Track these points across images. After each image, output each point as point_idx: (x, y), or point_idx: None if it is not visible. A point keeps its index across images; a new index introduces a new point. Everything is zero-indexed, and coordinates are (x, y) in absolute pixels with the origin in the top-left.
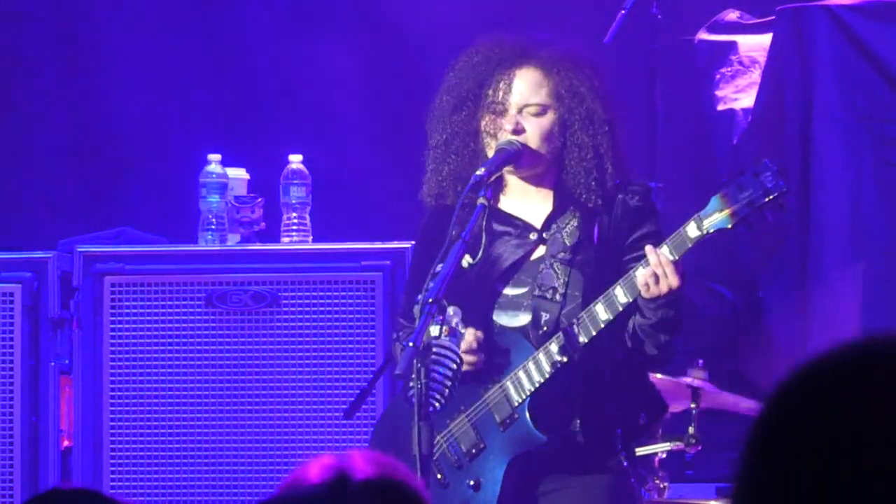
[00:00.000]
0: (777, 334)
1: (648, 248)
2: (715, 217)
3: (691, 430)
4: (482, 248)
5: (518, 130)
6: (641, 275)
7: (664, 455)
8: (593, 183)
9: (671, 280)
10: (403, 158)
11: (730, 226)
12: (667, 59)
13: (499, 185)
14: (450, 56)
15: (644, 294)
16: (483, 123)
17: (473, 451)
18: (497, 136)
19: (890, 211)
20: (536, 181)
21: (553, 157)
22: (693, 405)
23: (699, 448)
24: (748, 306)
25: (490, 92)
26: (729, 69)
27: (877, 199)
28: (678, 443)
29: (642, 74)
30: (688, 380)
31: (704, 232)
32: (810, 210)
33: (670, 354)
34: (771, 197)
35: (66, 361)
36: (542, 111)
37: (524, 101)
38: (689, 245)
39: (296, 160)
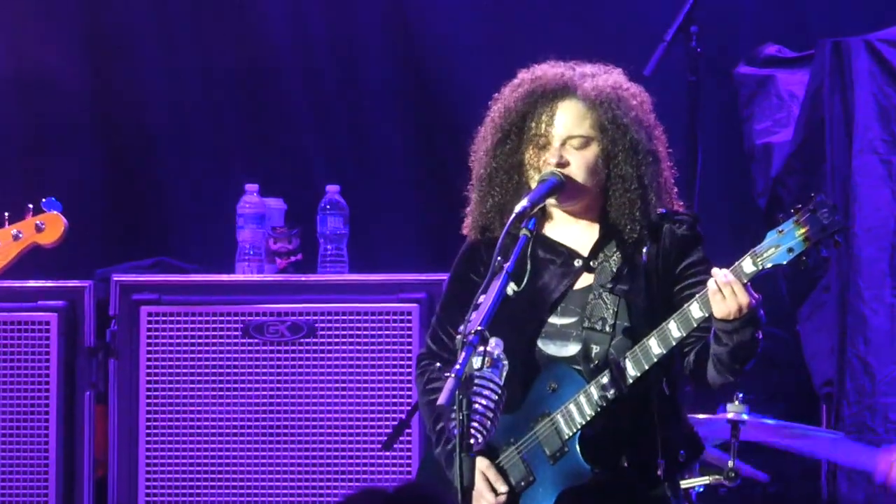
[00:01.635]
0: (815, 369)
1: (714, 270)
2: (770, 252)
3: (731, 464)
4: (527, 276)
5: (562, 164)
6: (710, 293)
7: (701, 489)
8: (638, 214)
9: (740, 298)
10: (441, 190)
11: (785, 262)
12: (706, 92)
13: (544, 215)
14: (489, 87)
15: (715, 312)
16: (527, 156)
17: (523, 483)
18: (541, 169)
19: None
20: (581, 213)
21: (598, 190)
22: (732, 439)
23: (739, 482)
24: (786, 341)
25: (533, 125)
26: (768, 102)
27: None
28: (717, 476)
29: (682, 107)
30: (728, 415)
31: (760, 267)
32: (851, 245)
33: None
34: (828, 233)
35: (102, 390)
36: (585, 143)
37: (567, 133)
38: (745, 281)
39: (333, 190)
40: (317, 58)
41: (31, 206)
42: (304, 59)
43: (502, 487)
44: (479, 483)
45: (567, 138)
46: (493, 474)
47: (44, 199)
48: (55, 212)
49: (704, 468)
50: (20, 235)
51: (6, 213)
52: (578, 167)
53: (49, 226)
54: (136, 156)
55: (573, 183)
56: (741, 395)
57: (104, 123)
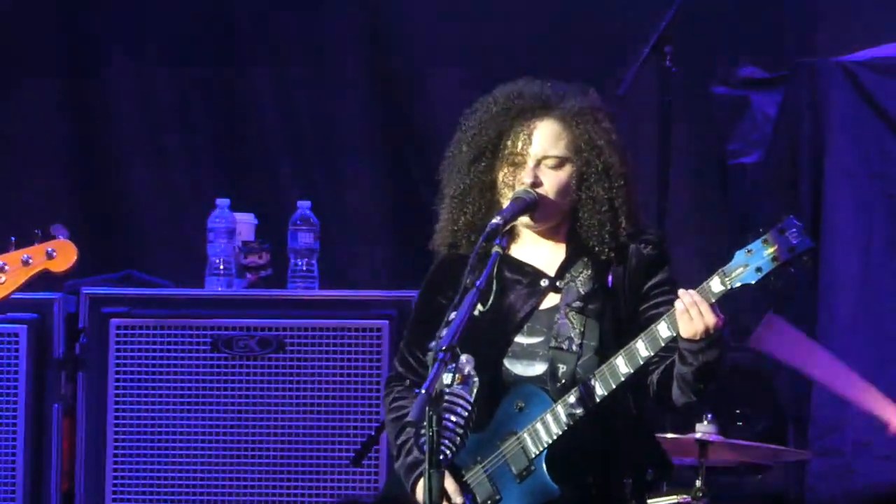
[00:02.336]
0: (782, 391)
1: (681, 291)
2: (739, 272)
3: (698, 483)
4: (492, 295)
5: (536, 183)
6: (677, 312)
7: None
8: (606, 236)
9: (707, 318)
10: (412, 207)
11: (753, 282)
12: (680, 112)
13: (512, 234)
14: (461, 105)
15: (682, 332)
16: (501, 175)
17: (489, 502)
18: (514, 187)
19: None
20: (550, 233)
21: (568, 210)
22: (701, 458)
23: (706, 502)
24: (754, 362)
25: (509, 143)
26: (741, 123)
27: (887, 257)
28: (685, 496)
29: (656, 126)
30: (697, 434)
31: (728, 287)
32: (821, 267)
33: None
34: (796, 253)
35: (71, 403)
36: (560, 164)
37: (543, 153)
38: (713, 300)
39: (304, 206)
40: (289, 74)
41: (38, 231)
42: (276, 75)
43: (459, 499)
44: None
45: (542, 158)
46: (451, 486)
47: (52, 225)
48: (64, 238)
49: (672, 487)
50: (30, 261)
51: (13, 238)
52: (552, 187)
53: (60, 253)
54: (107, 169)
55: (546, 202)
56: (710, 416)
57: (76, 136)
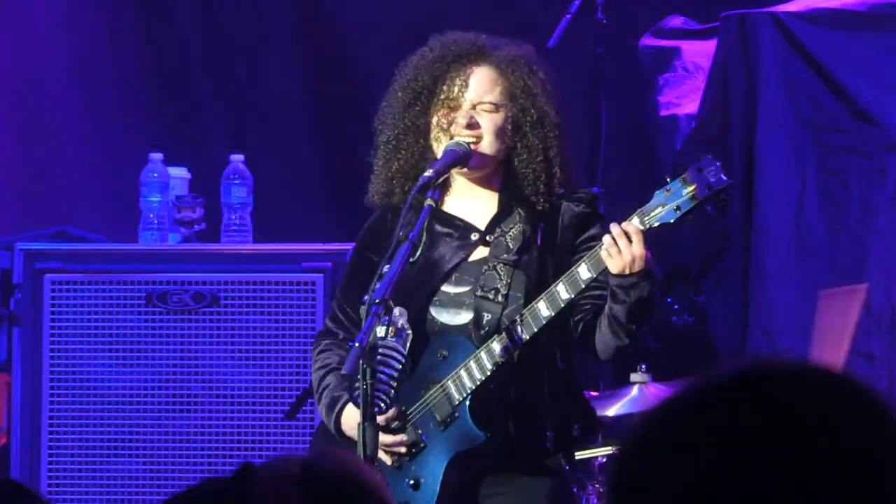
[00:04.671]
0: (718, 341)
1: (612, 224)
2: (658, 211)
3: None
4: (422, 247)
5: (472, 125)
6: (604, 247)
7: (604, 459)
8: (541, 185)
9: (635, 248)
10: (345, 160)
11: (672, 220)
12: (611, 64)
13: (444, 186)
14: (391, 56)
15: (611, 268)
16: (436, 118)
17: (413, 450)
18: (450, 129)
19: (832, 219)
20: (483, 182)
21: (502, 159)
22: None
23: None
24: (690, 311)
25: (444, 88)
26: (673, 75)
27: (819, 207)
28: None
29: (586, 79)
30: (632, 387)
31: (647, 227)
32: (753, 217)
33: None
34: (714, 191)
35: (5, 359)
36: (495, 109)
37: (478, 99)
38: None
39: (237, 160)
40: (220, 26)
41: None
42: (208, 26)
43: (396, 424)
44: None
45: (478, 103)
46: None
47: None
48: None
49: (607, 439)
50: None
51: None
52: (488, 130)
53: None
54: (40, 125)
55: (480, 151)
56: (644, 366)
57: (6, 92)
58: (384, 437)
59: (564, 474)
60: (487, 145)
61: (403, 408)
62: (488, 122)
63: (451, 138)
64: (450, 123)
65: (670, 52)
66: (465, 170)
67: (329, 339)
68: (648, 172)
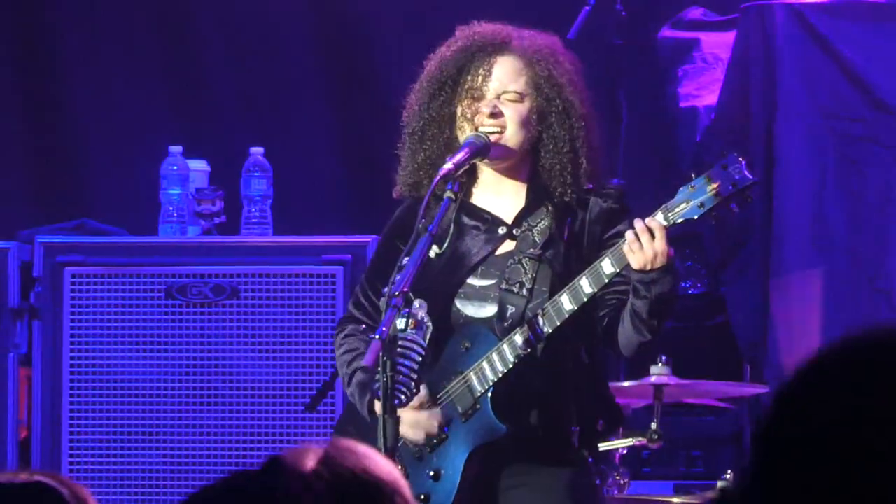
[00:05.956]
0: (739, 332)
1: (636, 220)
2: (682, 207)
3: (654, 426)
4: (449, 239)
5: (496, 114)
6: (627, 242)
7: (625, 451)
8: (568, 177)
9: (658, 245)
10: (365, 152)
11: (696, 217)
12: (630, 55)
13: (472, 177)
14: (411, 47)
15: (633, 263)
16: (460, 109)
17: (434, 441)
18: (474, 119)
19: (852, 209)
20: (510, 174)
21: (528, 148)
22: (656, 401)
23: (662, 444)
24: (711, 303)
25: (469, 77)
26: (692, 66)
27: (839, 197)
28: (640, 438)
29: (605, 71)
30: (651, 378)
31: (672, 222)
32: (773, 208)
33: (650, 345)
34: (738, 188)
35: (26, 352)
36: (519, 99)
37: (503, 88)
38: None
39: (257, 152)
40: (239, 18)
41: None
42: (226, 20)
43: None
44: (415, 413)
45: (502, 92)
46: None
47: None
48: None
49: (628, 430)
50: None
51: None
52: (512, 120)
53: None
54: (60, 117)
55: (503, 142)
56: (664, 358)
57: (26, 85)
58: (419, 415)
59: (587, 466)
60: (511, 135)
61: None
62: (512, 112)
63: (476, 129)
64: (474, 114)
65: (689, 43)
66: (490, 160)
67: (353, 325)
68: (668, 164)
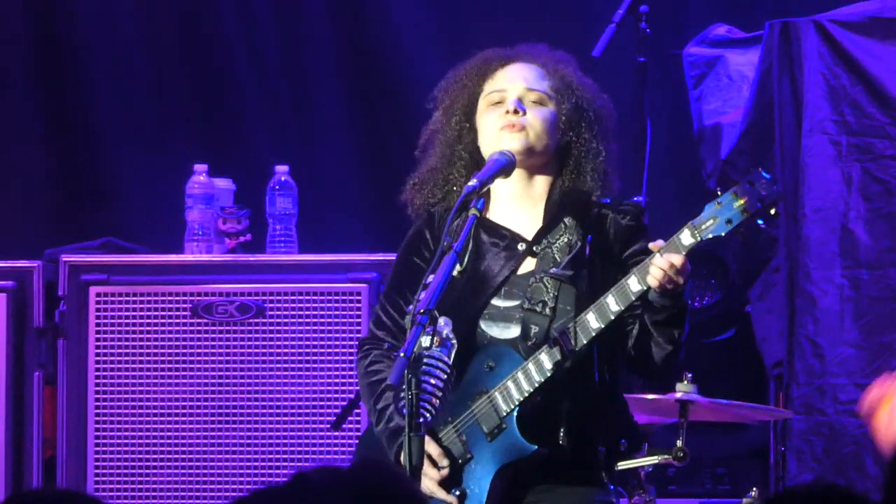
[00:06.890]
0: (764, 350)
1: (653, 245)
2: (710, 224)
3: (679, 443)
4: (467, 257)
5: (517, 110)
6: (655, 273)
7: (650, 468)
8: (598, 181)
9: (680, 278)
10: (390, 170)
11: (724, 234)
12: (655, 73)
13: (489, 194)
14: (435, 66)
15: (654, 286)
16: (482, 119)
17: (460, 461)
18: (497, 122)
19: (877, 227)
20: (528, 189)
21: (552, 156)
22: (681, 419)
23: (687, 462)
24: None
25: (489, 83)
26: (717, 83)
27: (865, 214)
28: (666, 456)
29: (630, 88)
30: (677, 394)
31: (699, 239)
32: (799, 226)
33: (675, 360)
34: (766, 203)
35: (51, 371)
36: (542, 101)
37: (526, 86)
38: (683, 252)
39: (282, 171)
40: (263, 38)
41: None
42: (251, 39)
43: (444, 461)
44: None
45: (525, 90)
46: (435, 450)
47: None
48: None
49: (653, 448)
50: None
51: None
52: (535, 119)
53: None
54: (85, 137)
55: (527, 145)
56: (690, 375)
57: (53, 105)
58: (430, 447)
59: (606, 485)
60: (535, 137)
61: (450, 418)
62: (536, 111)
63: (498, 138)
64: (497, 117)
65: (715, 60)
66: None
67: (376, 349)
68: (692, 181)
